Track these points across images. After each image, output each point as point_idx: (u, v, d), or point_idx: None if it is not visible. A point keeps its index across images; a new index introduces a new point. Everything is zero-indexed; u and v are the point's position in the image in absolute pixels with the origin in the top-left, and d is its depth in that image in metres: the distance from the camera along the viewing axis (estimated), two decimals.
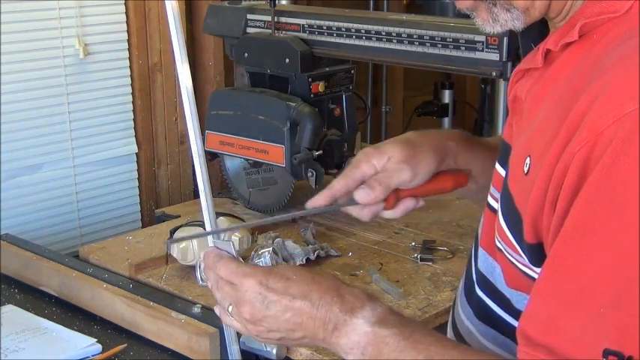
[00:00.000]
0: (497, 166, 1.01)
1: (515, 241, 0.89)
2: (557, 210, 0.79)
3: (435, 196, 1.17)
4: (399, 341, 0.89)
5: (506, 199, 0.91)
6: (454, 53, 1.66)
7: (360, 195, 1.08)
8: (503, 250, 0.93)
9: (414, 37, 1.72)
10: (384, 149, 1.11)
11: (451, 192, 1.17)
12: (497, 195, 0.98)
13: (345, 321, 0.93)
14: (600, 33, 0.85)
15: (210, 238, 1.16)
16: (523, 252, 0.88)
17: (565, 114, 0.80)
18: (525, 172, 0.87)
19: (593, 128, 0.75)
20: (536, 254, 0.85)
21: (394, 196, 1.11)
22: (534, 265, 0.87)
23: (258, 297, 0.96)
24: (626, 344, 0.72)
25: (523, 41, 1.00)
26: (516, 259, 0.90)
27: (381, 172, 1.10)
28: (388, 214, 1.14)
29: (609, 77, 0.77)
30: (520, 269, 0.90)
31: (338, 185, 1.10)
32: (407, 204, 1.13)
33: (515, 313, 0.92)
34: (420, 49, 1.72)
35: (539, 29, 0.97)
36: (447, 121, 3.33)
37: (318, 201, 1.10)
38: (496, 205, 0.98)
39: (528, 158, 0.86)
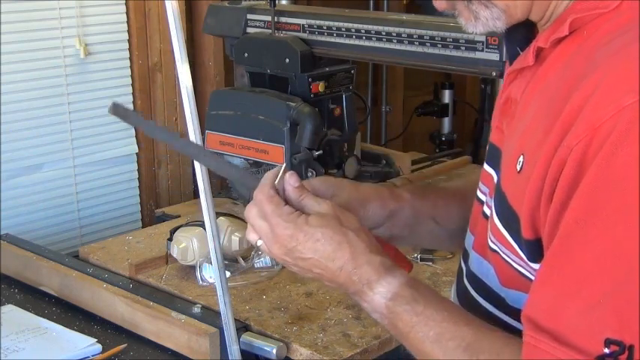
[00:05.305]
0: (488, 169, 1.01)
1: (512, 239, 0.89)
2: (553, 203, 0.79)
3: None
4: (412, 318, 0.92)
5: (500, 200, 0.92)
6: (454, 53, 1.66)
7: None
8: (498, 250, 0.93)
9: (414, 37, 1.72)
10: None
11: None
12: (487, 197, 0.98)
13: (363, 292, 0.96)
14: (591, 29, 0.85)
15: (210, 238, 1.16)
16: (521, 249, 0.88)
17: (558, 110, 0.80)
18: (518, 170, 0.87)
19: (590, 122, 0.75)
20: (535, 250, 0.85)
21: None
22: (532, 262, 0.87)
23: (288, 252, 0.98)
24: (627, 333, 0.73)
25: (508, 46, 1.00)
26: (511, 259, 0.91)
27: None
28: None
29: (606, 71, 0.77)
30: (515, 268, 0.90)
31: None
32: None
33: (510, 311, 0.92)
34: (420, 49, 1.72)
35: (524, 34, 0.96)
36: (446, 121, 3.32)
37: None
38: (487, 209, 0.98)
39: (521, 156, 0.86)
